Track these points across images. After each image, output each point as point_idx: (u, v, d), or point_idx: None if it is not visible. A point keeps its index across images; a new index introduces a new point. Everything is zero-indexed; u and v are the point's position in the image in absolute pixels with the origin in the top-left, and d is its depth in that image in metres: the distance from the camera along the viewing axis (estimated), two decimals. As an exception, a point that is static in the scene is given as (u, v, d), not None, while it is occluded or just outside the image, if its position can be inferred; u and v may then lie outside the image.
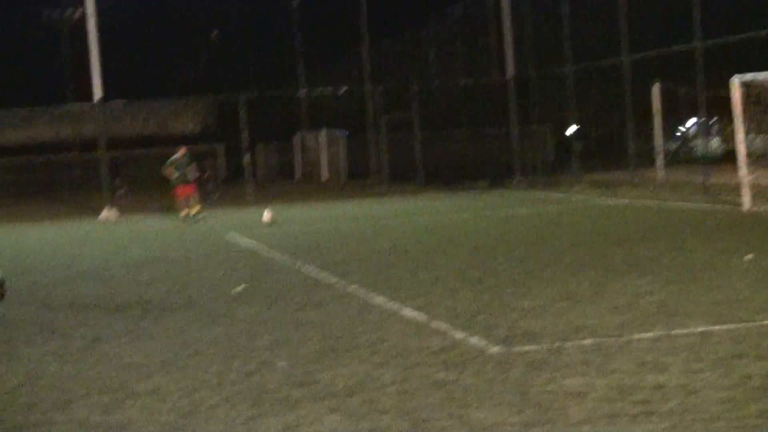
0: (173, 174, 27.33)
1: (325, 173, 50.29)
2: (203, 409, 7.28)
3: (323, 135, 50.66)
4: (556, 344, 8.71)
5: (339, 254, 16.93)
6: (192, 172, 27.51)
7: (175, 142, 52.19)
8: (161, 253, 19.43)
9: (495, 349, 8.66)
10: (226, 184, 50.17)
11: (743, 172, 21.47)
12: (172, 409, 7.33)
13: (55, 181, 52.06)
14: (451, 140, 42.43)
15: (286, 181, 52.34)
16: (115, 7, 46.50)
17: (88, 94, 35.85)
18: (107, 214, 32.21)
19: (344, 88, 48.07)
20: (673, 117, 35.21)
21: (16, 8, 60.01)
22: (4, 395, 8.03)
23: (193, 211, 27.46)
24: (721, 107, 26.64)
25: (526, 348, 8.65)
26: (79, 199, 41.56)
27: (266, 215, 25.55)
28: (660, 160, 30.67)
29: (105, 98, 34.15)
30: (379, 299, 11.81)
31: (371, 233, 21.17)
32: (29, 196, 47.98)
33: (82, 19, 39.97)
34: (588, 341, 8.75)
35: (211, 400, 7.53)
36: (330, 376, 8.02)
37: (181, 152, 27.63)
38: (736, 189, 22.34)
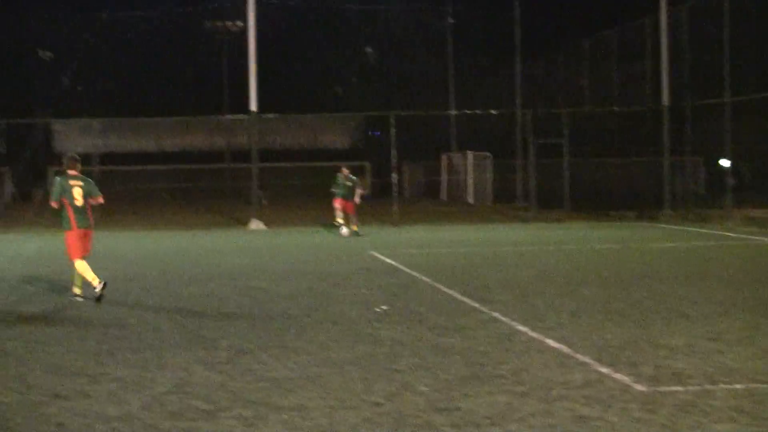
0: (336, 191, 29.06)
1: (470, 195, 50.20)
2: (344, 429, 7.32)
3: (470, 156, 50.61)
4: (705, 387, 8.46)
5: (483, 279, 16.84)
6: (348, 191, 28.72)
7: (325, 157, 53.00)
8: (305, 267, 19.67)
9: (641, 388, 8.46)
10: (372, 202, 50.58)
11: None
12: (313, 426, 7.38)
13: (206, 189, 53.36)
14: (601, 168, 41.87)
15: (431, 201, 52.43)
16: (274, 21, 47.46)
17: (243, 105, 36.68)
18: (255, 224, 32.89)
19: (495, 111, 47.95)
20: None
21: (178, 18, 61.79)
22: (153, 401, 8.23)
23: (353, 227, 28.58)
24: None
25: (674, 388, 8.43)
26: (228, 209, 42.43)
27: (345, 231, 27.98)
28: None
29: (259, 111, 34.84)
30: (522, 327, 11.69)
31: (515, 259, 21.01)
32: (181, 202, 49.28)
33: (242, 32, 40.94)
34: (739, 386, 8.48)
35: (351, 419, 7.56)
36: (472, 404, 7.97)
37: (342, 173, 29.07)
38: None
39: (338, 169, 29.57)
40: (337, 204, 28.83)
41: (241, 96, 38.80)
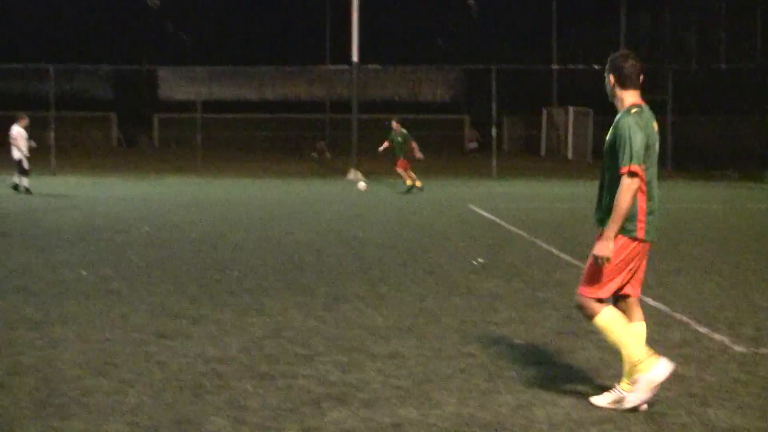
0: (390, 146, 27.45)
1: (570, 151, 49.71)
2: (438, 378, 7.37)
3: (571, 112, 50.03)
4: (807, 350, 8.32)
5: (580, 235, 16.72)
6: (401, 146, 27.08)
7: (424, 109, 52.88)
8: (403, 219, 19.76)
9: (740, 348, 8.35)
10: (472, 156, 50.48)
11: None
12: (408, 375, 7.45)
13: (306, 138, 53.72)
14: (705, 126, 41.03)
15: (530, 156, 52.06)
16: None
17: (344, 56, 36.78)
18: (354, 175, 33.08)
19: (597, 66, 47.20)
20: None
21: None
22: (252, 345, 8.39)
23: (408, 182, 27.17)
24: None
25: (774, 350, 8.31)
26: (327, 158, 42.72)
27: (361, 185, 27.52)
28: None
29: (360, 61, 34.89)
30: (619, 285, 11.58)
31: (615, 216, 20.78)
32: (281, 152, 49.74)
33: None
34: (842, 350, 8.31)
35: (446, 369, 7.62)
36: (566, 359, 7.96)
37: (393, 127, 27.34)
38: None
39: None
40: (398, 164, 27.30)
41: (343, 46, 38.90)
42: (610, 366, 7.67)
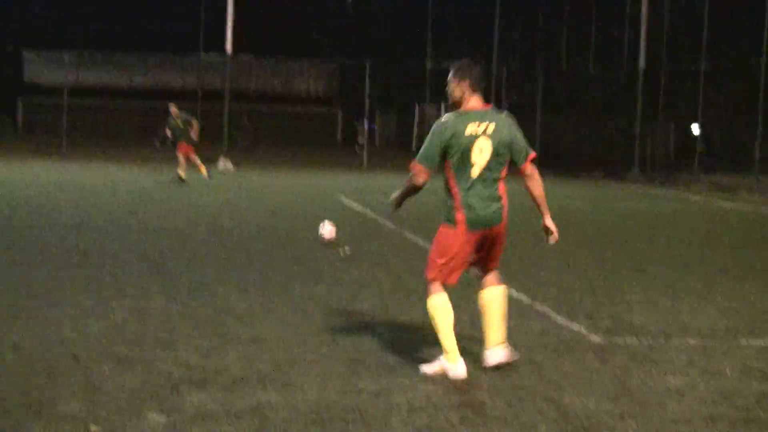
0: (169, 134, 26.69)
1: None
2: (300, 363, 7.36)
3: (444, 108, 50.56)
4: (660, 340, 8.56)
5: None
6: (184, 132, 26.15)
7: (297, 101, 52.60)
8: (272, 208, 19.67)
9: (596, 338, 8.56)
10: (343, 149, 50.56)
11: None
12: (269, 359, 7.42)
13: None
14: (571, 126, 41.92)
15: (402, 150, 52.36)
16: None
17: (219, 45, 36.42)
18: (224, 164, 32.79)
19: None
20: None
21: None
22: (112, 329, 8.24)
23: (203, 171, 26.44)
24: None
25: (628, 341, 8.53)
26: (198, 147, 42.29)
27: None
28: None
29: (235, 51, 34.62)
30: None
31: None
32: (151, 140, 49.01)
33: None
34: (692, 341, 8.58)
35: (308, 355, 7.61)
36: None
37: (173, 112, 26.46)
38: None
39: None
40: (181, 152, 26.02)
41: (218, 34, 38.49)
42: (470, 352, 7.74)
